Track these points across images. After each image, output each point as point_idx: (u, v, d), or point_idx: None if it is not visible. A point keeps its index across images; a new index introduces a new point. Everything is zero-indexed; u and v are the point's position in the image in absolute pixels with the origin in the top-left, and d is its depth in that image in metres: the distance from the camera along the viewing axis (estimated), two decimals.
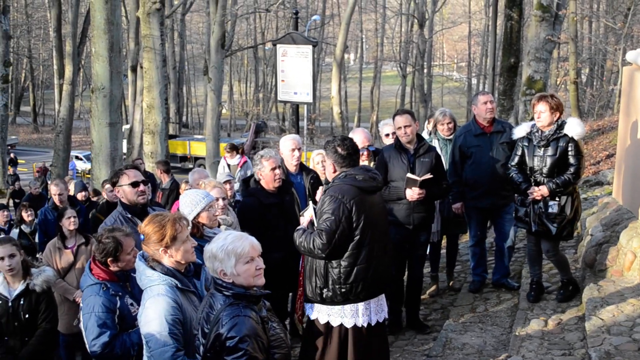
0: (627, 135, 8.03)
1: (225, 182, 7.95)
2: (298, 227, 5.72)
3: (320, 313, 5.59)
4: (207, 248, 3.98)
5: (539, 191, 6.98)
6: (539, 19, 16.12)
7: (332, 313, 5.56)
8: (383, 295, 5.76)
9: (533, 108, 7.05)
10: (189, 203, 5.61)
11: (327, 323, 5.55)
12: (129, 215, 5.90)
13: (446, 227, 8.66)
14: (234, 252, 3.89)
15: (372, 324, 5.58)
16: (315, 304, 5.62)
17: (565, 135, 6.80)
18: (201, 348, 3.87)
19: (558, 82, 30.50)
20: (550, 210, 6.96)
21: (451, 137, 8.65)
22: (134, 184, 5.95)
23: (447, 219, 8.51)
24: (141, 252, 4.58)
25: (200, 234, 5.50)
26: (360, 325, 5.54)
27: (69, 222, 7.87)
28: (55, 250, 7.82)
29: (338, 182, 5.52)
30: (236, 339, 3.67)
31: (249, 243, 3.97)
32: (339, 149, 5.56)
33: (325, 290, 5.51)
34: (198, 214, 5.56)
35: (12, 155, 39.52)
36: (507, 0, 17.23)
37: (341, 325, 5.52)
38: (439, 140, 8.91)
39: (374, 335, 5.61)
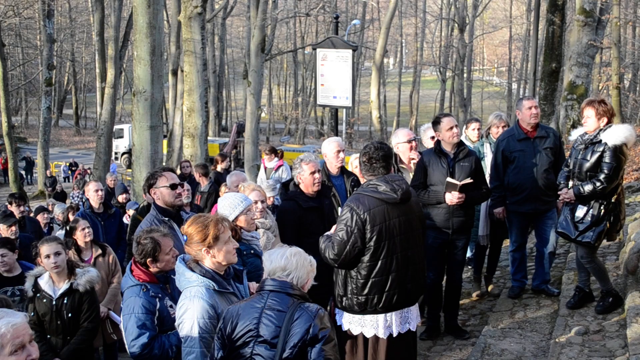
0: None
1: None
2: (326, 232, 5.74)
3: (344, 320, 5.65)
4: (296, 252, 4.27)
5: (566, 194, 6.94)
6: (582, 23, 15.97)
7: (352, 321, 5.61)
8: (412, 306, 5.70)
9: (582, 112, 7.02)
10: (228, 206, 5.66)
11: (349, 330, 5.60)
12: (165, 218, 5.91)
13: (495, 231, 8.62)
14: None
15: (394, 335, 5.55)
16: (339, 310, 5.69)
17: (602, 141, 6.73)
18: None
19: (600, 87, 30.07)
20: (576, 213, 6.91)
21: None
22: (173, 186, 5.98)
23: (496, 224, 8.47)
24: (182, 255, 4.64)
25: (239, 237, 5.53)
26: (381, 336, 5.54)
27: (83, 234, 7.72)
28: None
29: (359, 191, 5.58)
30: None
31: None
32: (364, 157, 5.62)
33: (344, 298, 5.57)
34: (236, 217, 5.61)
35: (28, 154, 40.06)
36: (549, 4, 17.08)
37: (362, 334, 5.55)
38: (490, 144, 8.88)
39: (399, 344, 5.57)
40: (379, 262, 5.46)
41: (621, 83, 25.05)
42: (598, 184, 6.68)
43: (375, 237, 5.41)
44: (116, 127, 42.94)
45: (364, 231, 5.40)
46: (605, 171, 6.68)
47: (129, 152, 32.73)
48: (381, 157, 5.55)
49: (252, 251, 5.67)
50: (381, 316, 5.52)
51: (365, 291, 5.45)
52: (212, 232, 4.42)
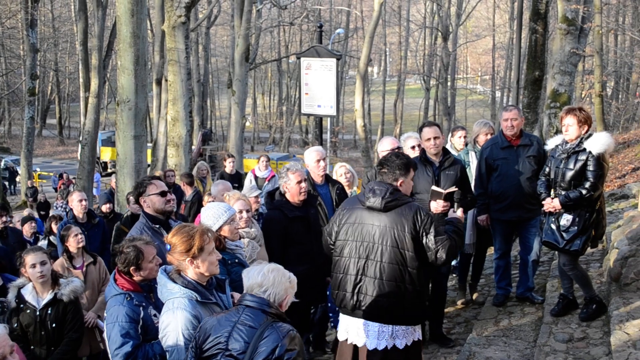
0: None
1: (256, 197, 7.90)
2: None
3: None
4: (274, 268, 4.21)
5: (551, 203, 6.97)
6: (564, 32, 16.06)
7: (340, 326, 5.67)
8: (391, 325, 5.44)
9: (561, 121, 7.03)
10: (212, 216, 5.66)
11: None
12: (156, 226, 5.94)
13: (479, 239, 8.64)
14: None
15: (370, 347, 5.44)
16: None
17: (585, 149, 6.77)
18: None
19: (583, 95, 30.34)
20: (561, 222, 6.94)
21: None
22: (163, 193, 6.02)
23: (481, 232, 8.49)
24: (163, 266, 4.64)
25: (223, 247, 5.54)
26: (361, 345, 5.50)
27: (76, 241, 7.72)
28: (65, 271, 7.52)
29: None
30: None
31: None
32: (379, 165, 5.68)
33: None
34: (220, 227, 5.61)
35: (11, 164, 39.78)
36: (531, 13, 17.19)
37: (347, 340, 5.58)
38: (475, 152, 8.91)
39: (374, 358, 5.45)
40: (340, 259, 5.56)
41: (604, 91, 25.28)
42: (584, 192, 6.72)
43: (340, 233, 5.57)
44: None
45: (337, 224, 5.60)
46: (591, 179, 6.71)
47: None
48: (388, 165, 5.55)
49: (236, 260, 5.66)
50: (352, 321, 5.53)
51: (336, 286, 5.61)
52: (197, 243, 4.41)
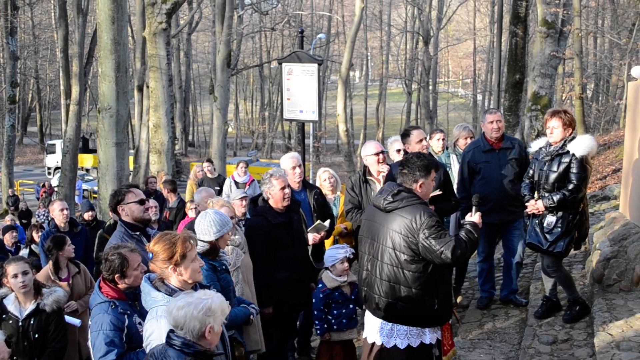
0: (633, 150, 8.03)
1: (241, 199, 7.89)
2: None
3: None
4: (190, 301, 3.94)
5: (535, 205, 7.00)
6: (544, 35, 16.17)
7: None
8: (393, 323, 5.48)
9: (545, 123, 7.05)
10: (216, 223, 5.62)
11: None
12: (137, 233, 5.92)
13: None
14: (224, 313, 3.98)
15: (387, 346, 5.46)
16: None
17: (569, 152, 6.81)
18: None
19: (563, 98, 30.53)
20: (545, 224, 6.97)
21: None
22: (141, 201, 6.00)
23: None
24: (147, 274, 4.61)
25: (216, 255, 5.59)
26: (366, 338, 5.58)
27: (70, 251, 7.67)
28: (50, 283, 7.23)
29: None
30: None
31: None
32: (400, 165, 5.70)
33: None
34: (222, 236, 5.63)
35: None
36: (511, 17, 17.29)
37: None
38: (457, 155, 8.95)
39: (383, 356, 5.48)
40: (360, 255, 5.71)
41: (584, 93, 25.45)
42: (568, 193, 6.74)
43: (362, 227, 5.76)
44: (48, 142, 43.40)
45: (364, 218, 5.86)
46: (575, 181, 6.74)
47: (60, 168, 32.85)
48: (407, 165, 5.54)
49: (224, 267, 5.67)
50: (368, 315, 5.63)
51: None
52: (179, 250, 4.38)
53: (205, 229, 5.59)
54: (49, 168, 44.76)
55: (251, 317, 5.80)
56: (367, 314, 5.63)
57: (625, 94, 17.76)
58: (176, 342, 3.86)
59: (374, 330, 5.54)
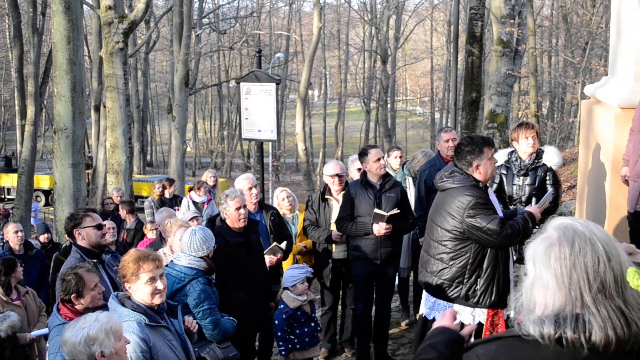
0: (587, 167, 8.15)
1: (191, 219, 7.90)
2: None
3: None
4: (71, 334, 3.85)
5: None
6: (499, 54, 16.38)
7: None
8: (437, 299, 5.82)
9: (518, 137, 7.09)
10: (207, 239, 5.88)
11: None
12: (93, 260, 5.81)
13: (417, 261, 8.72)
14: (113, 330, 3.87)
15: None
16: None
17: (544, 164, 6.90)
18: None
19: (520, 115, 30.86)
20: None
21: None
22: (99, 227, 5.93)
23: (418, 254, 8.57)
24: (116, 292, 4.61)
25: (213, 268, 5.91)
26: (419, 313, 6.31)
27: (20, 273, 7.59)
28: (2, 304, 7.18)
29: None
30: None
31: (118, 320, 4.06)
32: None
33: None
34: (211, 250, 5.89)
35: None
36: (467, 36, 17.49)
37: None
38: (412, 177, 9.02)
39: None
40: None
41: (539, 111, 25.80)
42: (552, 206, 6.80)
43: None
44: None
45: None
46: (554, 193, 6.83)
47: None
48: (457, 153, 5.69)
49: (214, 281, 5.83)
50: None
51: None
52: (130, 270, 4.44)
53: (198, 246, 5.79)
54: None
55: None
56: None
57: (579, 111, 18.06)
58: None
59: (422, 302, 5.97)
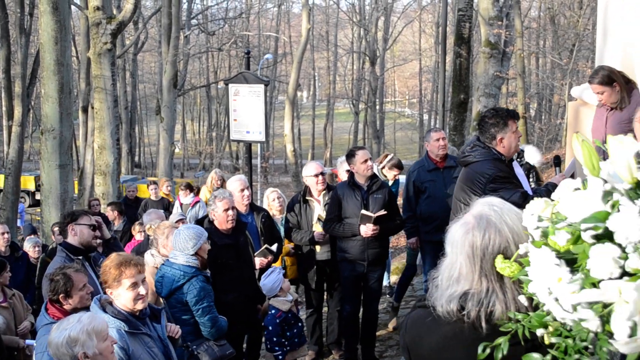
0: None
1: (177, 222, 7.90)
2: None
3: None
4: (55, 335, 3.86)
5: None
6: (487, 55, 16.42)
7: None
8: None
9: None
10: (194, 236, 5.82)
11: None
12: (79, 257, 5.81)
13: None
14: (95, 330, 3.85)
15: None
16: None
17: (527, 162, 6.92)
18: None
19: None
20: None
21: None
22: (93, 228, 5.95)
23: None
24: (98, 295, 4.57)
25: (205, 267, 5.89)
26: None
27: (7, 277, 7.51)
28: None
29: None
30: None
31: (103, 320, 4.03)
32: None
33: None
34: (201, 247, 5.83)
35: None
36: (455, 38, 17.51)
37: None
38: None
39: None
40: None
41: (527, 112, 25.92)
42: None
43: None
44: None
45: None
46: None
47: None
48: (480, 125, 5.60)
49: (210, 279, 5.84)
50: None
51: None
52: (112, 275, 4.40)
53: (183, 245, 5.76)
54: None
55: None
56: None
57: (566, 113, 18.15)
58: None
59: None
